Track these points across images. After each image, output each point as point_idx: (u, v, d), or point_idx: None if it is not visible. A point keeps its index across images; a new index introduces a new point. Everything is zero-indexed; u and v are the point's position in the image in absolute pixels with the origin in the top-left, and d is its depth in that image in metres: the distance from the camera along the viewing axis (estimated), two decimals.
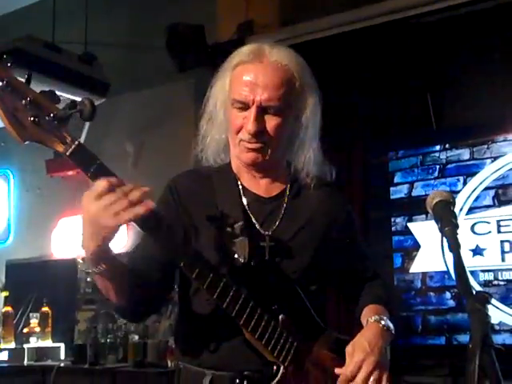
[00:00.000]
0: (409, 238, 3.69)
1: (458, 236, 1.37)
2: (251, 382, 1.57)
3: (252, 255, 1.63)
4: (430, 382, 3.32)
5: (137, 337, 4.80)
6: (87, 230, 1.43)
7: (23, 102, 1.42)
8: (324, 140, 1.85)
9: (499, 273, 3.42)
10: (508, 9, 3.52)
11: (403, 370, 3.25)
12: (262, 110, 1.67)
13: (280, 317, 1.62)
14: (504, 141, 3.50)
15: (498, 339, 3.34)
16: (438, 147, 3.68)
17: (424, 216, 3.62)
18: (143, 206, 1.40)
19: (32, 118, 1.42)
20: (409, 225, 3.69)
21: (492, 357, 1.03)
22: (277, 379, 1.59)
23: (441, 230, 1.39)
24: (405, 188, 3.74)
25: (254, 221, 1.74)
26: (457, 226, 1.40)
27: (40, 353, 5.10)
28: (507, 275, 3.41)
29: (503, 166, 3.47)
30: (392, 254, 3.68)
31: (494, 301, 3.36)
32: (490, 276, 3.42)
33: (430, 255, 3.60)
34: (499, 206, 3.46)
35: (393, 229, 3.74)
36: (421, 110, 3.74)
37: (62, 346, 5.21)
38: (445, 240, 1.37)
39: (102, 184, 1.40)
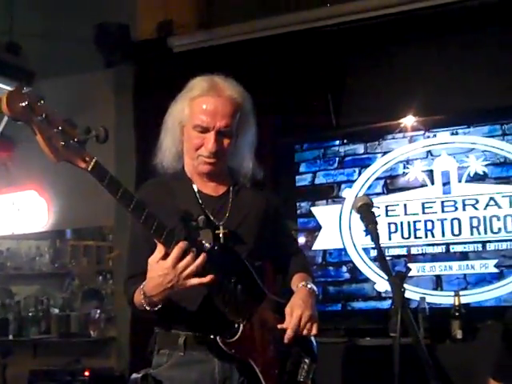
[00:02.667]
0: (312, 220, 4.24)
1: (378, 230, 1.92)
2: (221, 336, 2.04)
3: (214, 241, 2.11)
4: (329, 342, 3.85)
5: (57, 310, 5.15)
6: (158, 287, 1.96)
7: (55, 130, 1.77)
8: None
9: (386, 249, 4.02)
10: (398, 21, 4.13)
11: None
12: (219, 134, 2.16)
13: (238, 286, 2.12)
14: (392, 139, 4.11)
15: (384, 305, 3.98)
16: (337, 142, 4.24)
17: (325, 201, 4.21)
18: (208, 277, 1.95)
19: (63, 143, 1.78)
20: (312, 209, 4.24)
21: (409, 314, 1.59)
22: (239, 334, 2.08)
23: (366, 226, 1.93)
24: (309, 177, 4.27)
25: (209, 214, 2.23)
26: (376, 223, 1.94)
27: None
28: (392, 251, 4.04)
29: (391, 160, 4.08)
30: (297, 234, 4.23)
31: (380, 272, 4.00)
32: None
33: (329, 235, 4.17)
34: (387, 193, 4.08)
35: (298, 212, 4.27)
36: (323, 110, 4.27)
37: None
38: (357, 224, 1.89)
39: (175, 254, 1.91)
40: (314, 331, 2.18)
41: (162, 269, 1.94)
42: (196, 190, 2.27)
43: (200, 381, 2.11)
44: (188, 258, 1.93)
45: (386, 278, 1.73)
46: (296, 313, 2.16)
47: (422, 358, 1.56)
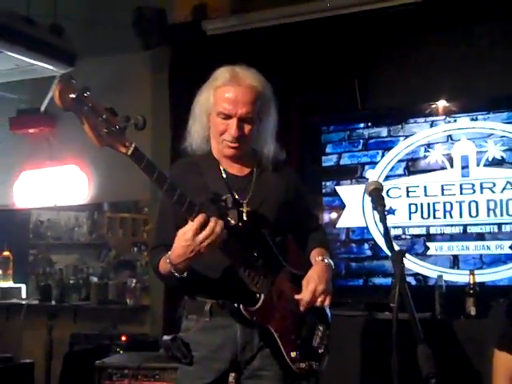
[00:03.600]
0: (336, 199, 4.43)
1: (385, 212, 2.12)
2: (244, 304, 2.26)
3: (238, 218, 2.34)
4: (350, 315, 4.04)
5: (95, 278, 5.46)
6: (182, 256, 2.15)
7: (99, 118, 1.98)
8: None
9: (406, 229, 4.22)
10: (424, 9, 4.25)
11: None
12: (241, 120, 2.37)
13: (259, 260, 2.34)
14: (414, 123, 4.27)
15: None
16: (362, 125, 4.41)
17: (349, 181, 4.40)
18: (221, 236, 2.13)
19: (106, 130, 1.99)
20: (336, 188, 4.44)
21: (405, 287, 1.80)
22: (260, 303, 2.30)
23: (374, 207, 2.15)
24: (334, 157, 4.46)
25: (234, 193, 2.44)
26: (384, 206, 2.14)
27: (3, 293, 5.66)
28: (412, 231, 4.22)
29: (413, 143, 4.24)
30: (322, 212, 4.43)
31: None
32: (399, 231, 4.22)
33: (352, 214, 4.36)
34: (408, 175, 4.25)
35: (323, 191, 4.46)
36: (349, 94, 4.44)
37: (23, 286, 5.80)
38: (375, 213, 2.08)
39: (194, 226, 2.10)
40: (327, 302, 2.41)
41: (184, 240, 2.13)
42: (222, 170, 2.48)
43: (223, 344, 2.34)
44: (207, 230, 2.11)
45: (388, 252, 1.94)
46: (310, 286, 2.38)
47: (411, 322, 1.77)
